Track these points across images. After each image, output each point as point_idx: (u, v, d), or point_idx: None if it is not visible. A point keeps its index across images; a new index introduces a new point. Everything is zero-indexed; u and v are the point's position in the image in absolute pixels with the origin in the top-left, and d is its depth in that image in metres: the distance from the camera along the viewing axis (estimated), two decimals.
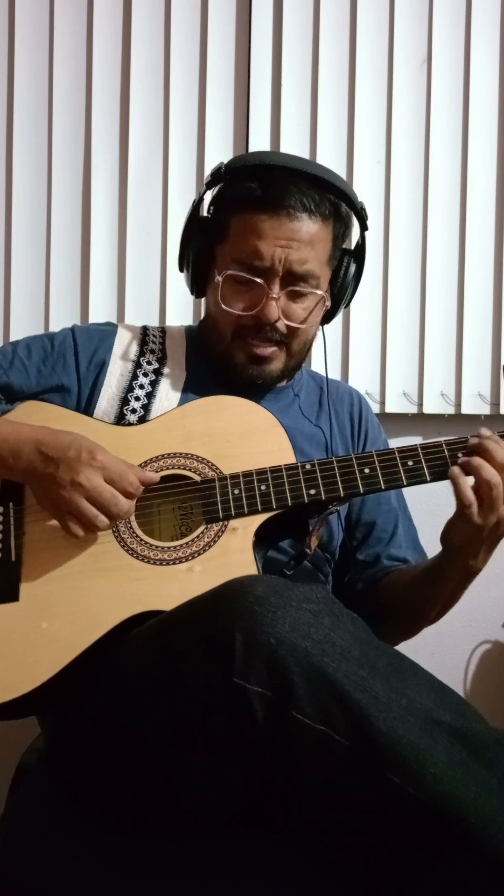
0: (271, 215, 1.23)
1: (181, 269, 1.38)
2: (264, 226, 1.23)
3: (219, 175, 1.29)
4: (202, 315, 1.48)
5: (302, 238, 1.24)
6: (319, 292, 1.29)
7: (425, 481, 1.16)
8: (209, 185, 1.31)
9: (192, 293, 1.38)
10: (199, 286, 1.35)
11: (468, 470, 1.12)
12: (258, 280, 1.25)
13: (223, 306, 1.27)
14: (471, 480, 1.12)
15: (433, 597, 1.27)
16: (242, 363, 1.31)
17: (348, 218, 1.31)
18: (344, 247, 1.34)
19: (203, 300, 1.41)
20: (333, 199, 1.28)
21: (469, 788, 0.85)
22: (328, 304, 1.32)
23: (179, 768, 0.98)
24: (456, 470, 1.12)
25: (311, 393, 1.43)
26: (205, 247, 1.31)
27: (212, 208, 1.32)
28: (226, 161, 1.31)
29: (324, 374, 1.44)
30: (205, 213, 1.33)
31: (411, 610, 1.30)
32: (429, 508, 1.53)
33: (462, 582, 1.23)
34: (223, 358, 1.32)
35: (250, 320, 1.27)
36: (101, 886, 1.04)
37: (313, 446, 1.36)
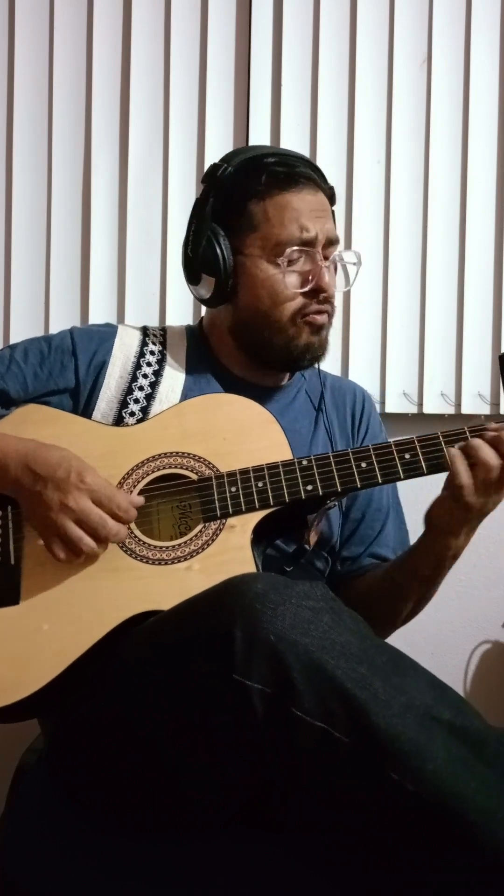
0: (299, 192, 1.26)
1: (196, 280, 1.31)
2: (298, 201, 1.26)
3: (222, 172, 1.29)
4: (202, 314, 1.47)
5: (326, 208, 1.30)
6: (353, 259, 1.33)
7: (422, 474, 1.16)
8: (215, 184, 1.29)
9: (217, 303, 1.32)
10: (229, 288, 1.29)
11: (466, 451, 1.13)
12: (311, 250, 1.26)
13: (286, 291, 1.26)
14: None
15: (408, 586, 1.26)
16: (307, 341, 1.29)
17: (331, 195, 1.35)
18: None
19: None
20: (322, 176, 1.32)
21: (468, 785, 0.85)
22: (360, 262, 1.34)
23: (179, 768, 0.98)
24: (454, 450, 1.13)
25: (314, 390, 1.43)
26: (233, 244, 1.28)
27: (218, 203, 1.29)
28: (217, 161, 1.31)
29: (328, 371, 1.46)
30: (211, 210, 1.29)
31: (385, 604, 1.29)
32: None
33: (438, 568, 1.22)
34: (283, 349, 1.30)
35: (307, 295, 1.27)
36: (101, 886, 1.04)
37: (315, 442, 1.36)
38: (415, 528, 1.45)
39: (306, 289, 1.26)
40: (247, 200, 1.27)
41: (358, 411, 1.45)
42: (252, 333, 1.31)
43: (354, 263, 1.34)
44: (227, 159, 1.31)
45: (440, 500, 1.17)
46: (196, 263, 1.30)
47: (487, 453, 1.11)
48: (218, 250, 1.27)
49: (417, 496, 1.44)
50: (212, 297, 1.31)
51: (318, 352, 1.32)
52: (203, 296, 1.33)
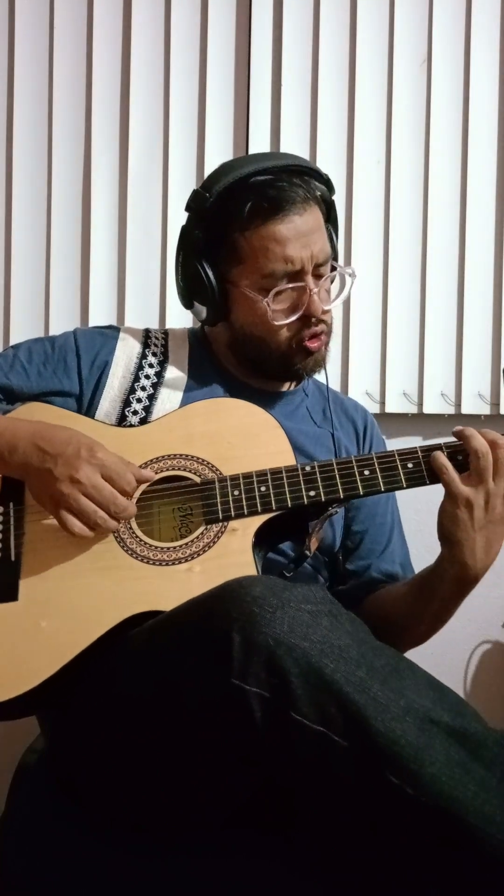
0: (283, 220, 1.24)
1: (189, 305, 1.35)
2: (282, 232, 1.24)
3: (205, 200, 1.27)
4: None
5: (313, 228, 1.26)
6: (348, 270, 1.32)
7: (424, 483, 1.17)
8: (199, 215, 1.28)
9: (214, 323, 1.34)
10: (222, 313, 1.32)
11: (459, 437, 1.15)
12: (299, 284, 1.25)
13: (276, 322, 1.26)
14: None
15: (422, 608, 1.24)
16: (305, 364, 1.32)
17: (324, 192, 1.32)
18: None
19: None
20: (309, 180, 1.28)
21: (467, 788, 0.85)
22: (354, 274, 1.33)
23: (179, 769, 0.99)
24: (440, 456, 1.14)
25: (318, 401, 1.44)
26: (222, 273, 1.29)
27: (204, 234, 1.29)
28: (198, 187, 1.30)
29: (330, 375, 1.44)
30: (197, 241, 1.29)
31: (397, 625, 1.27)
32: (428, 508, 1.53)
33: (454, 592, 1.21)
34: (281, 365, 1.32)
35: (298, 322, 1.27)
36: (101, 886, 1.05)
37: (319, 449, 1.36)
38: (419, 529, 1.45)
39: (295, 317, 1.27)
40: (231, 232, 1.26)
41: (361, 429, 1.45)
42: (250, 350, 1.34)
43: (350, 275, 1.32)
44: (207, 187, 1.28)
45: (442, 506, 1.17)
46: (187, 292, 1.33)
47: (478, 442, 1.13)
48: (206, 282, 1.29)
49: (430, 502, 1.45)
50: (207, 319, 1.34)
51: (316, 368, 1.34)
52: (200, 317, 1.36)
